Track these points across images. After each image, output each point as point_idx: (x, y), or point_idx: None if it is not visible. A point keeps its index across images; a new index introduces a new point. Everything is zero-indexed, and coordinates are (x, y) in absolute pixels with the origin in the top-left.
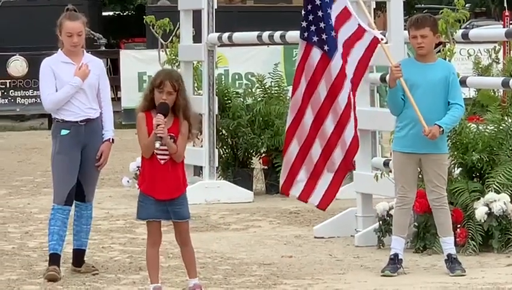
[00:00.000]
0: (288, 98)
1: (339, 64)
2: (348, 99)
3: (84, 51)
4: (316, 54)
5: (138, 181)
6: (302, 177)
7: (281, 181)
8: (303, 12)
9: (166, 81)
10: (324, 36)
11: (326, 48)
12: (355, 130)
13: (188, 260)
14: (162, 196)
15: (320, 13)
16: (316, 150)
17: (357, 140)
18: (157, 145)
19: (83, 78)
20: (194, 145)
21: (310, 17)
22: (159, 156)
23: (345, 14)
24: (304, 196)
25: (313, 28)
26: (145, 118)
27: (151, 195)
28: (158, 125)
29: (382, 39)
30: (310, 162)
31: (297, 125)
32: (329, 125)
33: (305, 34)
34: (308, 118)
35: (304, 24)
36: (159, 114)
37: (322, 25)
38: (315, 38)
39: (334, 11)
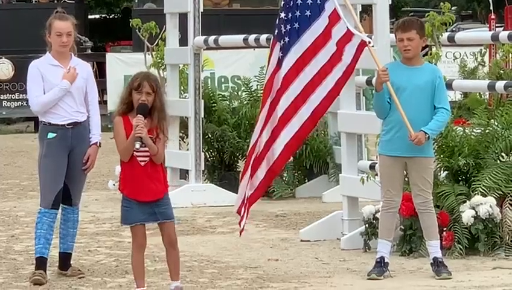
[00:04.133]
0: None
1: (283, 73)
2: (285, 113)
3: (72, 54)
4: (273, 60)
5: (119, 186)
6: (245, 200)
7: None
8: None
9: (145, 82)
10: (281, 42)
11: (280, 54)
12: (286, 149)
13: (173, 262)
14: (147, 197)
15: (283, 16)
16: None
17: (283, 159)
18: (137, 146)
19: (71, 82)
20: (180, 149)
21: (280, 18)
22: (139, 158)
23: (334, 16)
24: (240, 220)
25: (275, 30)
26: (123, 122)
27: (136, 198)
28: (137, 125)
29: (369, 42)
30: (249, 182)
31: (255, 144)
32: (263, 141)
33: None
34: (257, 135)
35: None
36: (139, 115)
37: (282, 29)
38: (277, 45)
39: (327, 11)
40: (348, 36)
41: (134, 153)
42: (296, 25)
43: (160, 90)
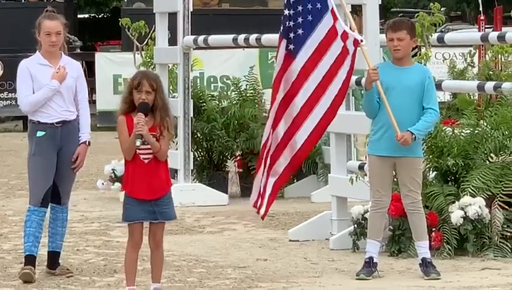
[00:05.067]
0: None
1: (300, 65)
2: (307, 102)
3: (62, 53)
4: (280, 55)
5: (122, 184)
6: (261, 189)
7: (253, 196)
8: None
9: (144, 81)
10: (292, 35)
11: (291, 46)
12: (311, 137)
13: (158, 263)
14: (147, 195)
15: (289, 12)
16: (269, 158)
17: (308, 146)
18: (137, 143)
19: (60, 81)
20: (169, 148)
21: (285, 15)
22: (142, 156)
23: (334, 13)
24: (259, 207)
25: (281, 27)
26: (125, 121)
27: (136, 196)
28: (138, 123)
29: (362, 41)
30: (266, 172)
31: (268, 137)
32: (281, 130)
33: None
34: (270, 127)
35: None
36: (139, 113)
37: (291, 23)
38: (283, 41)
39: (330, 7)
40: (345, 33)
41: (137, 151)
42: (310, 17)
43: (161, 88)
